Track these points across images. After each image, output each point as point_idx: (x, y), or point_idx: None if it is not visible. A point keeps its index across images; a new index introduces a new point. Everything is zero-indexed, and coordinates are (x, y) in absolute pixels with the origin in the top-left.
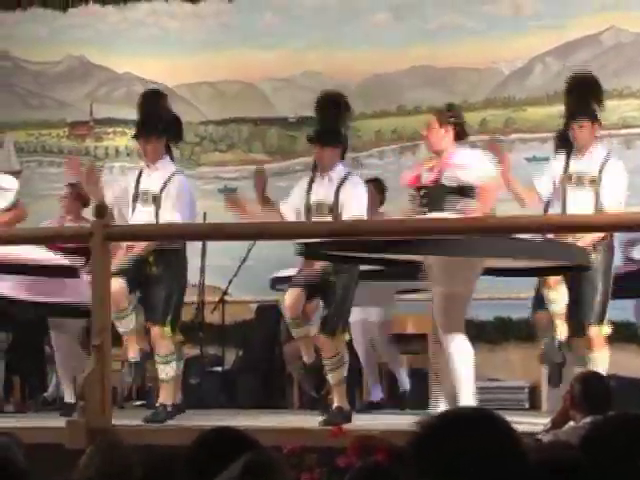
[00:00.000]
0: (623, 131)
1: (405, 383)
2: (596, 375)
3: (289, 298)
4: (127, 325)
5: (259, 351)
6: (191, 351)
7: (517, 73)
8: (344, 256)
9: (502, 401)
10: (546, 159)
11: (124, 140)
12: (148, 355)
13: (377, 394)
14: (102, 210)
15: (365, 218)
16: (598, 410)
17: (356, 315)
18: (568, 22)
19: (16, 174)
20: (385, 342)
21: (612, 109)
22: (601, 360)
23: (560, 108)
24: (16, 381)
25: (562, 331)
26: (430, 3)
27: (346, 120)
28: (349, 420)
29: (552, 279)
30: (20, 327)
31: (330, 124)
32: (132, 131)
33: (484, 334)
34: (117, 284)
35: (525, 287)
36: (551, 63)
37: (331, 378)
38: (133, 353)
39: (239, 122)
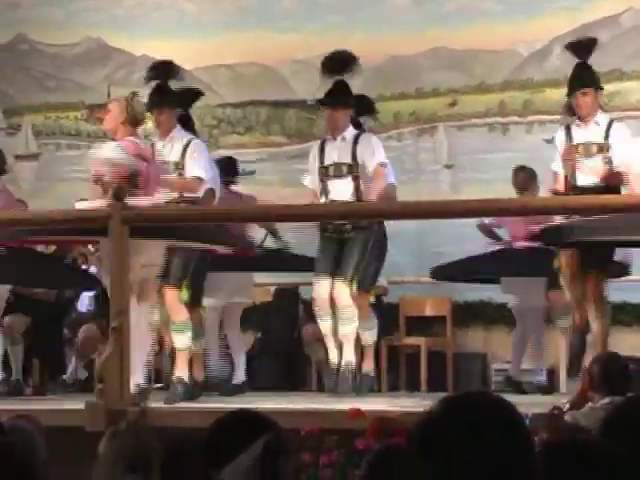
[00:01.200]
0: None
1: (241, 374)
2: (614, 356)
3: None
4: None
5: (278, 334)
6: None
7: (535, 55)
8: None
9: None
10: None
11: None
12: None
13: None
14: (120, 192)
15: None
16: (616, 391)
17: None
18: (586, 3)
19: (34, 157)
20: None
21: (632, 90)
22: None
23: None
24: (35, 364)
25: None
26: None
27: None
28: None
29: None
30: (39, 310)
31: (339, 86)
32: (149, 114)
33: (503, 317)
34: None
35: None
36: None
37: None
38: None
39: (257, 105)
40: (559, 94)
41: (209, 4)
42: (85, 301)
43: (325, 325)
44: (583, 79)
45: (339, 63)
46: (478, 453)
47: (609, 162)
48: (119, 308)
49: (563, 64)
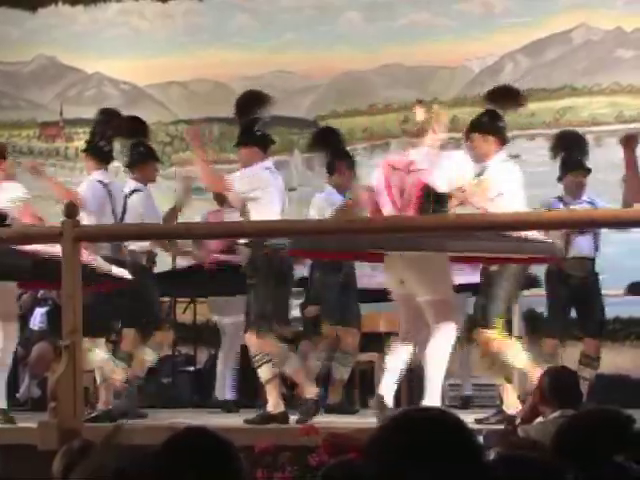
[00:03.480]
0: (593, 128)
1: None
2: (565, 370)
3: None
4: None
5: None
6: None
7: (487, 71)
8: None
9: None
10: (517, 156)
11: None
12: None
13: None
14: (72, 209)
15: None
16: (567, 405)
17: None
18: (538, 20)
19: None
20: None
21: (582, 106)
22: None
23: (531, 105)
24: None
25: None
26: (401, 2)
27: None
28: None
29: None
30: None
31: (244, 124)
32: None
33: None
34: None
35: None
36: (522, 60)
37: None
38: None
39: (210, 121)
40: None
41: (161, 22)
42: (37, 318)
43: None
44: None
45: (247, 101)
46: (425, 468)
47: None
48: (71, 326)
49: (515, 80)
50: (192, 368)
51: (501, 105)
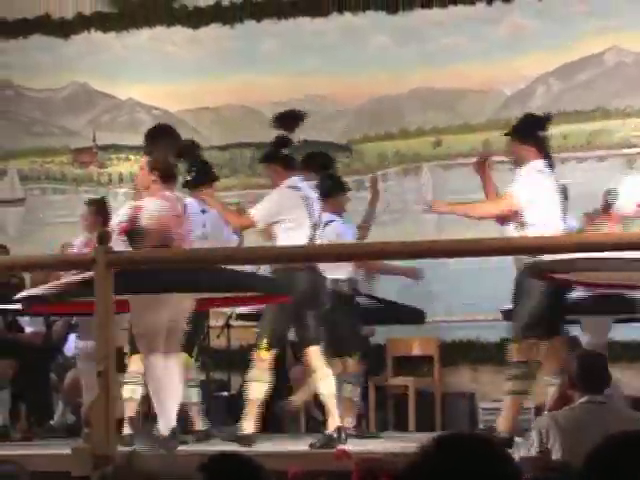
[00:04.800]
0: (625, 150)
1: None
2: (593, 353)
3: None
4: None
5: None
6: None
7: (519, 94)
8: None
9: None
10: None
11: (127, 166)
12: None
13: None
14: (105, 236)
15: None
16: (595, 389)
17: None
18: (570, 42)
19: (20, 202)
20: None
21: (614, 129)
22: None
23: (563, 128)
24: (22, 409)
25: None
26: (430, 25)
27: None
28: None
29: None
30: (26, 354)
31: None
32: (136, 157)
33: (489, 356)
34: None
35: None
36: (553, 84)
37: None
38: None
39: (242, 146)
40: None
41: (192, 47)
42: (72, 345)
43: None
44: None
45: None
46: None
47: None
48: (104, 352)
49: (547, 103)
50: (226, 393)
51: None
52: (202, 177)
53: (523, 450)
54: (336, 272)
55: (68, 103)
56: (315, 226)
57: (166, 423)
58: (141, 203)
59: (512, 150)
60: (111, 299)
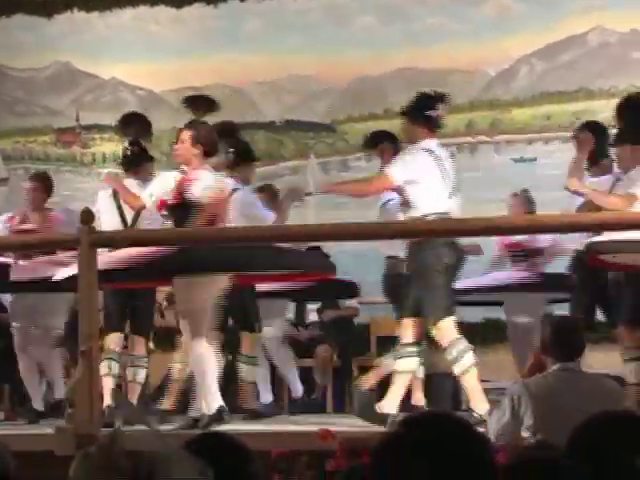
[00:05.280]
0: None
1: (298, 389)
2: (568, 319)
3: None
4: None
5: None
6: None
7: (503, 74)
8: None
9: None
10: (533, 160)
11: (111, 146)
12: None
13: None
14: (88, 216)
15: None
16: (568, 356)
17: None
18: (553, 23)
19: (3, 182)
20: (276, 346)
21: (598, 109)
22: None
23: (547, 108)
24: (5, 389)
25: None
26: (415, 5)
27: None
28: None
29: None
30: (9, 335)
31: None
32: (119, 137)
33: (475, 336)
34: None
35: None
36: (536, 64)
37: None
38: None
39: None
40: (527, 113)
41: (175, 27)
42: None
43: None
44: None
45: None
46: (434, 472)
47: None
48: (88, 332)
49: (530, 83)
50: None
51: None
52: (242, 156)
53: (495, 416)
54: (390, 250)
55: (51, 83)
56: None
57: (212, 403)
58: (193, 175)
59: (404, 129)
60: (95, 278)
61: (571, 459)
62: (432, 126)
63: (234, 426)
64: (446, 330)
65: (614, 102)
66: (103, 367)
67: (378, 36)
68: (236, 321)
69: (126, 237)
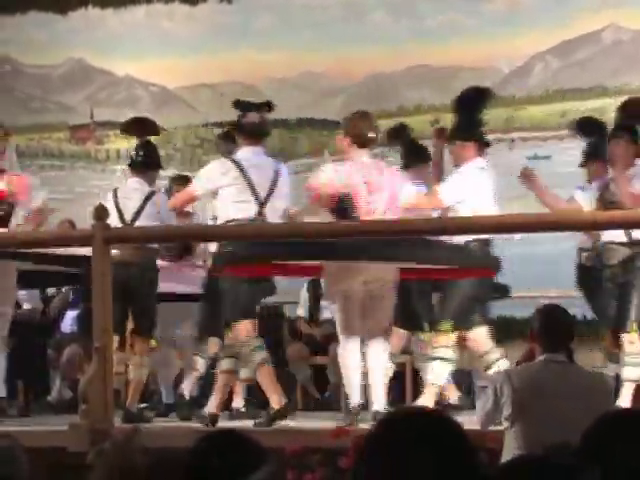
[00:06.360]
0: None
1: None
2: (557, 307)
3: None
4: None
5: None
6: None
7: (517, 71)
8: None
9: None
10: (547, 157)
11: (125, 143)
12: None
13: None
14: (102, 212)
15: None
16: (557, 346)
17: None
18: (567, 20)
19: None
20: None
21: (612, 106)
22: None
23: (561, 106)
24: (19, 385)
25: None
26: (427, 2)
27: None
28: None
29: None
30: (22, 330)
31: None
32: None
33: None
34: None
35: (524, 287)
36: (551, 61)
37: None
38: None
39: None
40: (541, 110)
41: (189, 23)
42: (68, 321)
43: None
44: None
45: None
46: (412, 468)
47: None
48: (102, 328)
49: (545, 80)
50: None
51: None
52: (413, 158)
53: (480, 403)
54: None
55: (65, 79)
56: None
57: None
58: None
59: (453, 150)
60: (109, 274)
61: (580, 460)
62: (481, 143)
63: (248, 423)
64: None
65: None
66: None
67: (390, 33)
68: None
69: (140, 233)
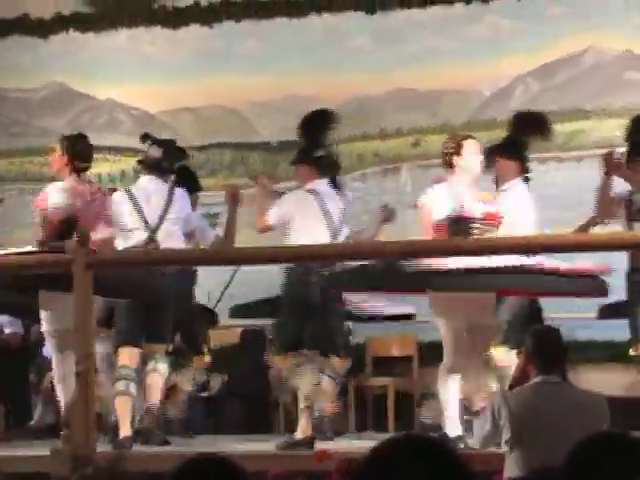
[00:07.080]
0: (604, 151)
1: None
2: (549, 329)
3: None
4: None
5: (244, 376)
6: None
7: (498, 94)
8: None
9: None
10: (527, 180)
11: (106, 167)
12: None
13: None
14: (84, 237)
15: None
16: (551, 368)
17: None
18: (547, 43)
19: None
20: None
21: (593, 129)
22: None
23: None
24: (0, 409)
25: None
26: (410, 26)
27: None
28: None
29: None
30: (4, 355)
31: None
32: (114, 157)
33: None
34: None
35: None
36: (532, 84)
37: None
38: None
39: (221, 147)
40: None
41: (171, 48)
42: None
43: None
44: None
45: None
46: None
47: None
48: (83, 353)
49: (526, 103)
50: (205, 394)
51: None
52: None
53: (479, 424)
54: None
55: (47, 103)
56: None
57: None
58: None
59: (496, 166)
60: (90, 300)
61: None
62: (523, 162)
63: (231, 447)
64: None
65: (609, 122)
66: (120, 386)
67: (374, 57)
68: None
69: (122, 259)
